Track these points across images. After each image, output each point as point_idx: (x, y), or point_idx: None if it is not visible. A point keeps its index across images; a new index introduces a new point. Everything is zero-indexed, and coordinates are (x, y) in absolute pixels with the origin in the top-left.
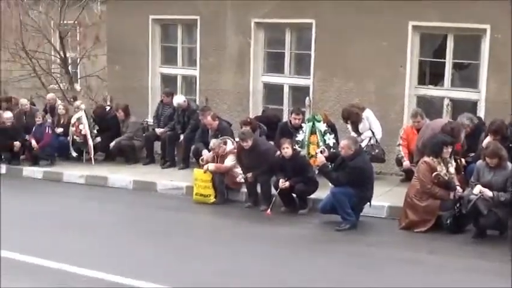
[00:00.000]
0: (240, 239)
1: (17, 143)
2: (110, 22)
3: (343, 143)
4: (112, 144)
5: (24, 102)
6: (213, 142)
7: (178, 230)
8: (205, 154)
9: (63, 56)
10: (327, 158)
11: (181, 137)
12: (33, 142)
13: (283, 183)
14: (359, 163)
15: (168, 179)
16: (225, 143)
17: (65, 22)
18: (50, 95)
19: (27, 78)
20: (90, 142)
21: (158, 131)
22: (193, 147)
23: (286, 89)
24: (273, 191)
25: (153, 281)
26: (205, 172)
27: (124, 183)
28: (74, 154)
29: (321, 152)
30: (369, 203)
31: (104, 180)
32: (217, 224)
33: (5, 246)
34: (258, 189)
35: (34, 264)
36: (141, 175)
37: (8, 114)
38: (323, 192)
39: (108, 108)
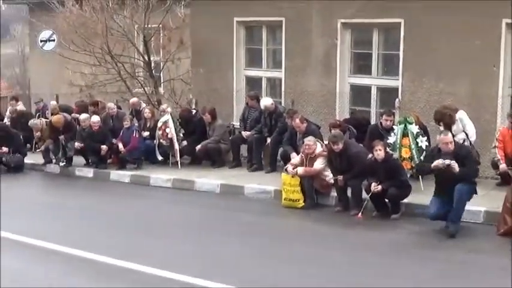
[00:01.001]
0: (330, 244)
1: (104, 147)
2: (193, 25)
3: (447, 138)
4: (198, 147)
5: (111, 106)
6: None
7: (266, 233)
8: (294, 157)
9: (147, 59)
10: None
11: (268, 140)
12: (120, 146)
13: (375, 187)
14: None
15: (255, 183)
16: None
17: (149, 26)
18: (134, 99)
19: (113, 82)
20: (176, 146)
21: (245, 134)
22: (280, 150)
23: (373, 91)
24: (364, 195)
25: (238, 284)
26: (293, 176)
27: (211, 187)
28: (160, 158)
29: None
30: None
31: (191, 183)
32: (306, 228)
33: (90, 248)
34: (349, 193)
35: (115, 266)
36: (228, 178)
37: (95, 118)
38: (415, 196)
39: (194, 111)
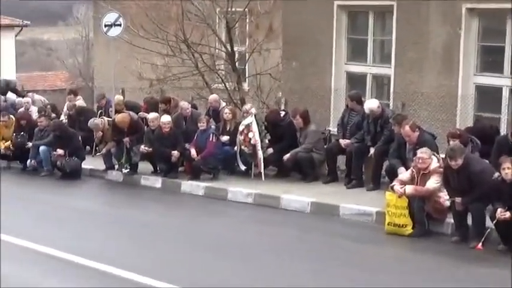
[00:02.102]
0: (441, 282)
1: (175, 152)
2: (286, 10)
3: None
4: (286, 156)
5: (185, 105)
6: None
7: (364, 265)
8: (402, 173)
9: (230, 50)
10: None
11: (372, 150)
12: (193, 152)
13: (502, 214)
14: None
15: (353, 202)
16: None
17: (233, 10)
18: (213, 97)
19: (188, 76)
20: (261, 154)
21: (343, 142)
22: (386, 163)
23: (505, 93)
24: (488, 222)
25: None
26: (400, 197)
27: (300, 205)
28: (242, 167)
29: None
30: None
31: (276, 200)
32: (413, 261)
33: (164, 276)
34: (469, 220)
35: None
36: (321, 196)
37: (166, 118)
38: None
39: (283, 113)
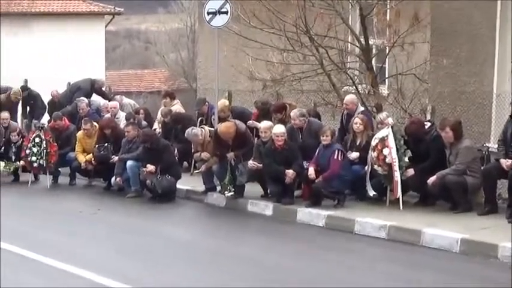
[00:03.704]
0: None
1: (290, 172)
2: None
3: None
4: (432, 180)
5: (302, 112)
6: None
7: None
8: None
9: (364, 43)
10: None
11: None
12: (313, 171)
13: None
14: None
15: None
16: None
17: None
18: (350, 98)
19: (311, 76)
20: (398, 175)
21: (505, 162)
22: None
23: None
24: None
25: None
26: None
27: (447, 243)
28: (372, 193)
29: None
30: None
31: (416, 235)
32: None
33: None
34: None
35: None
36: (476, 231)
37: (279, 129)
38: None
39: (428, 125)
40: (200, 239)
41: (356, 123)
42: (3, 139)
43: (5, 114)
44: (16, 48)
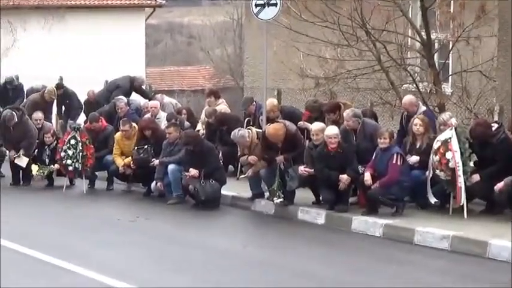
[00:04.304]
0: None
1: (344, 177)
2: None
3: None
4: (499, 186)
5: (356, 113)
6: None
7: None
8: None
9: (425, 38)
10: None
11: None
12: (368, 176)
13: None
14: None
15: None
16: None
17: None
18: (408, 98)
19: (368, 73)
20: (462, 181)
21: None
22: None
23: None
24: None
25: None
26: None
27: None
28: (433, 200)
29: None
30: None
31: (482, 247)
32: None
33: None
34: None
35: None
36: None
37: (332, 131)
38: None
39: (495, 126)
40: (246, 250)
41: (416, 125)
42: (37, 141)
43: (39, 115)
44: (50, 44)
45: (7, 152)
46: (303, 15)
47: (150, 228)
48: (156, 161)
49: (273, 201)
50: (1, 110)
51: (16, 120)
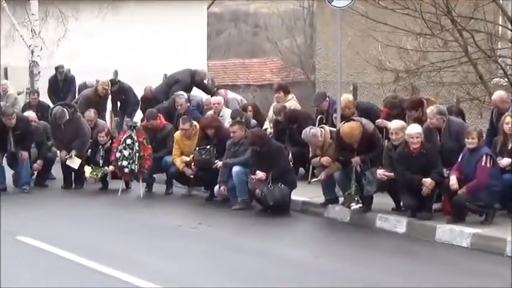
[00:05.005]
0: None
1: (427, 181)
2: None
3: None
4: None
5: (441, 110)
6: None
7: None
8: None
9: None
10: None
11: None
12: (454, 180)
13: None
14: None
15: None
16: None
17: None
18: (499, 94)
19: (454, 66)
20: None
21: None
22: None
23: None
24: None
25: None
26: None
27: None
28: None
29: None
30: None
31: None
32: None
33: None
34: None
35: None
36: None
37: (414, 129)
38: None
39: None
40: (318, 261)
41: (508, 123)
42: (90, 140)
43: (91, 114)
44: (103, 35)
45: (58, 152)
46: (382, 1)
47: (213, 236)
48: (219, 163)
49: (349, 207)
50: (52, 106)
51: (67, 117)
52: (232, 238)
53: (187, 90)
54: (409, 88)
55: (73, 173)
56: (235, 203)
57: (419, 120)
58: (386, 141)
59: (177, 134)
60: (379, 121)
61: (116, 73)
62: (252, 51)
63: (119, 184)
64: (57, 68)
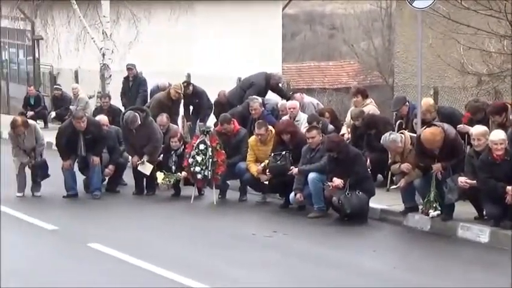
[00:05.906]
0: None
1: (510, 188)
2: None
3: None
4: None
5: None
6: None
7: None
8: None
9: None
10: None
11: None
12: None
13: None
14: None
15: None
16: None
17: None
18: None
19: None
20: None
21: None
22: None
23: None
24: None
25: None
26: None
27: None
28: None
29: None
30: None
31: None
32: None
33: None
34: None
35: None
36: None
37: (498, 136)
38: None
39: None
40: (396, 272)
41: None
42: (162, 146)
43: (164, 119)
44: (176, 38)
45: (130, 157)
46: (464, 2)
47: (288, 245)
48: (295, 169)
49: (428, 215)
50: (123, 111)
51: (139, 122)
52: (308, 247)
53: (262, 94)
54: (492, 92)
55: (145, 179)
56: (311, 210)
57: (503, 126)
58: (468, 147)
59: (252, 139)
60: (460, 126)
61: (188, 76)
62: (327, 54)
63: (192, 191)
64: (127, 66)
